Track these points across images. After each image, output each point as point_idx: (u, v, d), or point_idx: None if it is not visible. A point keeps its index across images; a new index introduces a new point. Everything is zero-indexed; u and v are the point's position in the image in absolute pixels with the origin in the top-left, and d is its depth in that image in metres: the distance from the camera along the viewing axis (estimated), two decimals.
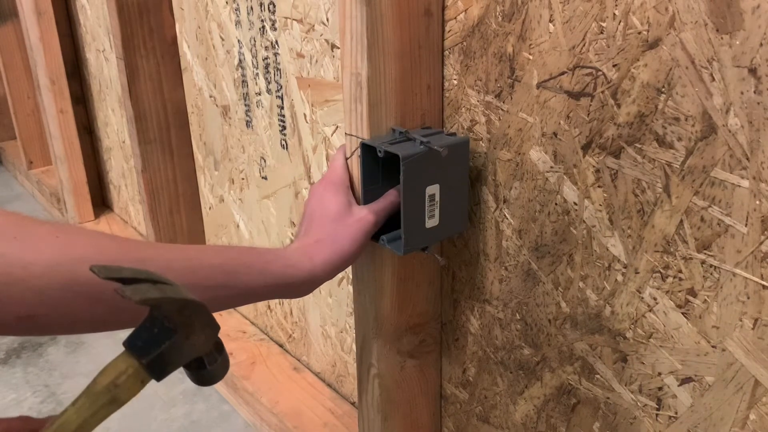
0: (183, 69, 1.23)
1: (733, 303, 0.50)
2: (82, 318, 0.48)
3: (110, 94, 1.63)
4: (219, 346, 0.46)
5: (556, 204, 0.61)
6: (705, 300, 0.52)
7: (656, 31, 0.50)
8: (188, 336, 0.41)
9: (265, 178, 1.06)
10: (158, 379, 0.40)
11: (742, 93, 0.46)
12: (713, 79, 0.47)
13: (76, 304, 0.46)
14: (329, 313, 1.01)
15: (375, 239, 0.65)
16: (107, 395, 0.39)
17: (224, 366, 0.47)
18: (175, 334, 0.40)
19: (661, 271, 0.54)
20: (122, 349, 0.40)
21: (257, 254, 0.59)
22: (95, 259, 0.46)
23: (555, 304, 0.64)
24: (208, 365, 0.45)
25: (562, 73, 0.57)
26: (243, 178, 1.12)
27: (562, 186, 0.60)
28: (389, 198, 0.65)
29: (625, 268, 0.57)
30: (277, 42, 0.92)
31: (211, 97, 1.15)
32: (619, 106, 0.54)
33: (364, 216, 0.63)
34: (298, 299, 1.09)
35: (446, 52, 0.67)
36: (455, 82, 0.67)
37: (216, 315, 0.46)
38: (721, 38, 0.46)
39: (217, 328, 0.44)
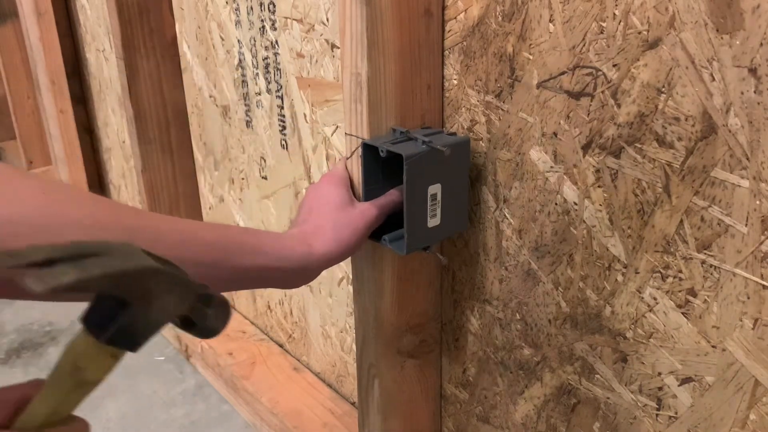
0: (183, 69, 1.23)
1: (733, 303, 0.50)
2: None
3: (110, 94, 1.63)
4: (206, 299, 0.41)
5: (556, 204, 0.61)
6: (705, 300, 0.52)
7: (656, 31, 0.50)
8: (148, 304, 0.36)
9: (265, 178, 1.06)
10: (133, 350, 0.36)
11: (742, 93, 0.46)
12: (713, 79, 0.47)
13: None
14: (329, 313, 1.01)
15: (377, 239, 0.65)
16: (72, 380, 0.34)
17: (220, 317, 0.42)
18: (129, 306, 0.35)
19: (661, 271, 0.54)
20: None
21: (253, 234, 0.58)
22: (85, 224, 0.44)
23: (555, 304, 0.64)
24: (197, 322, 0.41)
25: (562, 73, 0.57)
26: (243, 178, 1.12)
27: (562, 186, 0.60)
28: (391, 197, 0.64)
29: (625, 268, 0.57)
30: (277, 42, 0.92)
31: (211, 97, 1.15)
32: (619, 106, 0.54)
33: (367, 208, 0.62)
34: (298, 299, 1.09)
35: (446, 52, 0.67)
36: (455, 82, 0.67)
37: None
38: (721, 38, 0.46)
39: (189, 284, 0.39)
